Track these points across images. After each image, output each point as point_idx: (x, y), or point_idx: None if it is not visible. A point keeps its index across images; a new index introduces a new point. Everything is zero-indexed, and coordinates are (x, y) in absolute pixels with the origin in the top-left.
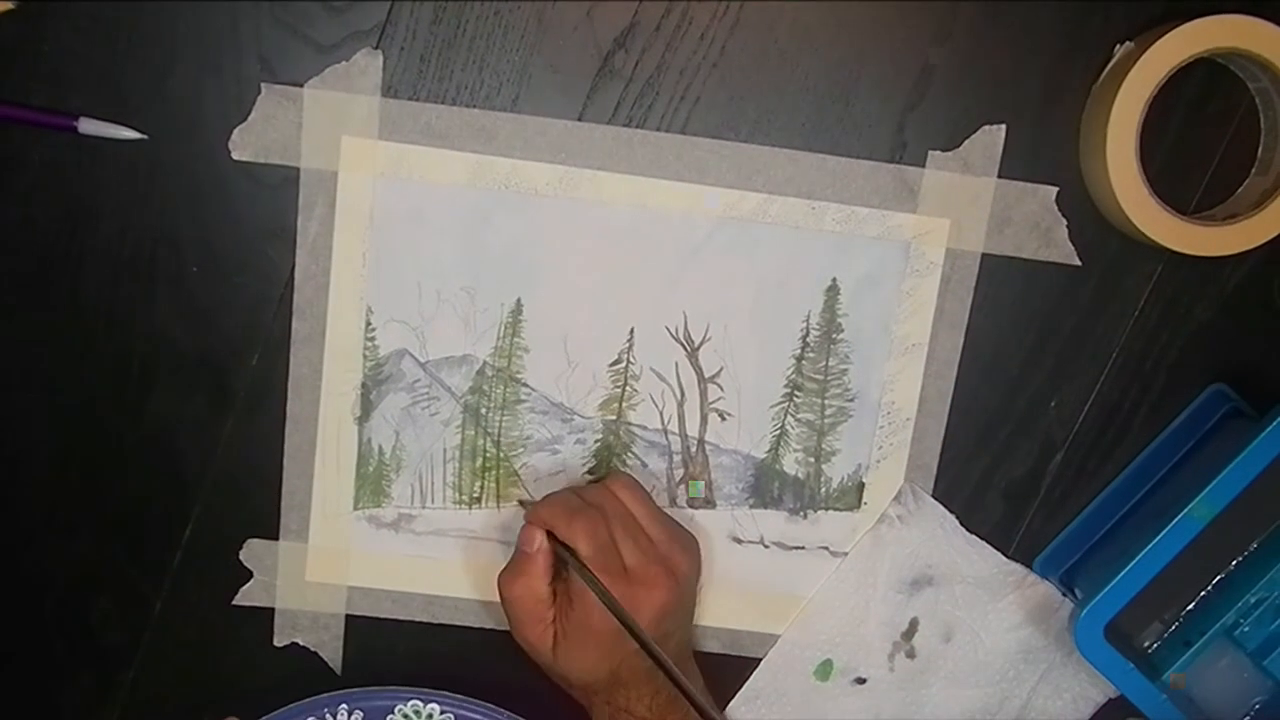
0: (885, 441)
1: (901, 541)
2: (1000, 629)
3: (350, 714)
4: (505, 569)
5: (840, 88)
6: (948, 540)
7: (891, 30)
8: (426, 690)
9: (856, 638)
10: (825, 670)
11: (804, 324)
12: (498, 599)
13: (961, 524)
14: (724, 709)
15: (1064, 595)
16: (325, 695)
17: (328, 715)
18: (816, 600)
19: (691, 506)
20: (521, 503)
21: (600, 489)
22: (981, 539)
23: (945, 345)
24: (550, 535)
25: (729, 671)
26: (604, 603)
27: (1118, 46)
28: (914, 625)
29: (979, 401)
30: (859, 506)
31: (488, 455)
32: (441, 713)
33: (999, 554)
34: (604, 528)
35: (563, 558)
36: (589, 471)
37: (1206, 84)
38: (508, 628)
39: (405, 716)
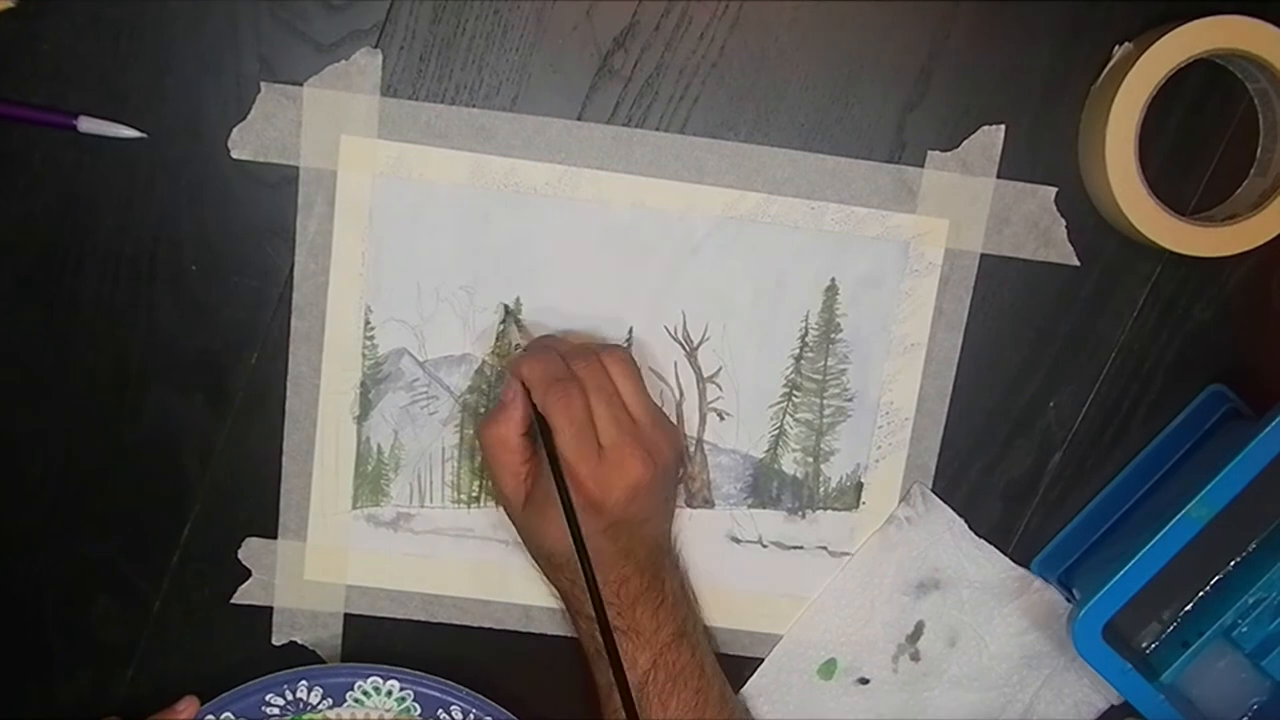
0: (884, 441)
1: (909, 544)
2: (1005, 634)
3: (310, 690)
4: (485, 415)
5: (840, 88)
6: (955, 544)
7: (891, 30)
8: (385, 666)
9: (861, 638)
10: (829, 670)
11: (803, 324)
12: (499, 597)
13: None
14: None
15: (1066, 599)
16: (286, 672)
17: (287, 691)
18: (822, 599)
19: (690, 506)
20: (511, 345)
21: (589, 358)
22: (986, 541)
23: (944, 345)
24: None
25: (727, 671)
26: (555, 483)
27: (1116, 47)
28: (919, 628)
29: (978, 401)
30: (857, 506)
31: None
32: (401, 689)
33: (1006, 558)
34: (582, 401)
35: (535, 426)
36: None
37: (1205, 85)
38: (507, 627)
39: (365, 692)
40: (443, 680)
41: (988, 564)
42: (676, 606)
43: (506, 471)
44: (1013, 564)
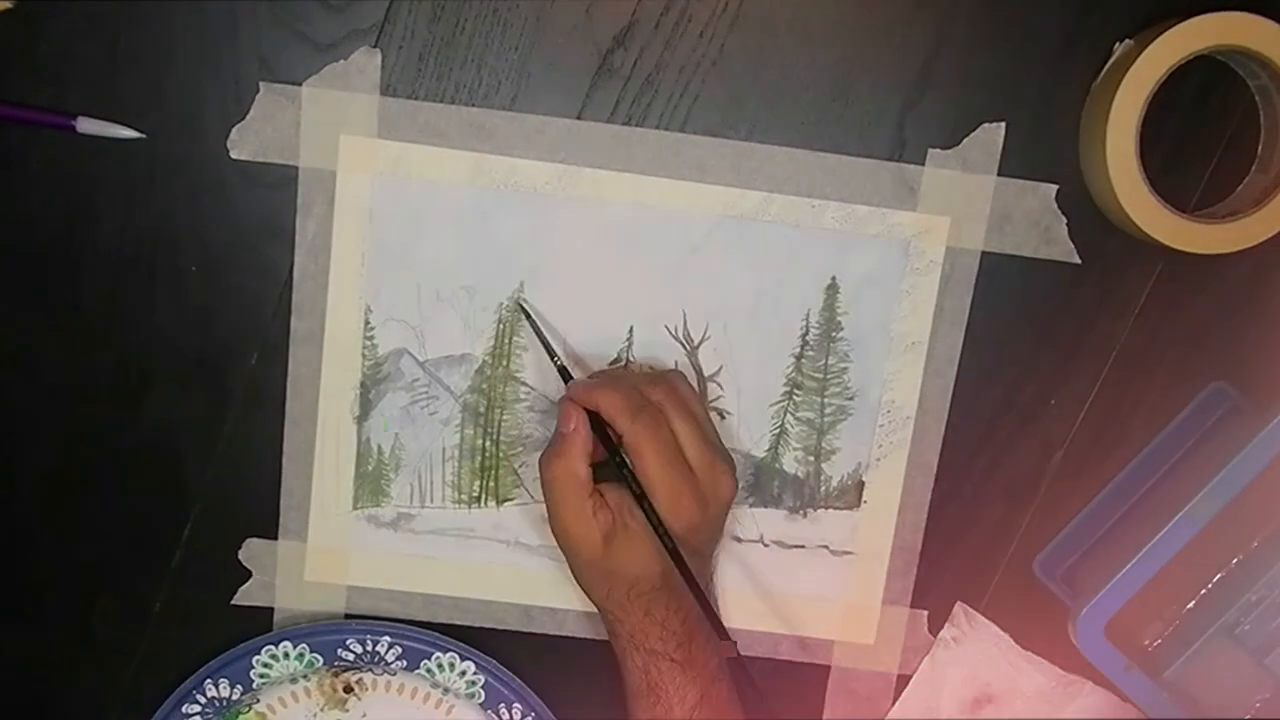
0: (885, 440)
1: (958, 663)
2: None
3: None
4: (545, 449)
5: (840, 86)
6: (1003, 657)
7: (891, 28)
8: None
9: None
10: None
11: (803, 322)
12: (499, 597)
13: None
14: None
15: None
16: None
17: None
18: None
19: None
20: (561, 370)
21: (663, 385)
22: (1035, 650)
23: (945, 343)
24: (595, 418)
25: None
26: (648, 519)
27: (1117, 44)
28: None
29: (979, 399)
30: (859, 505)
31: (487, 454)
32: (391, 643)
33: (1054, 667)
34: (666, 427)
35: (613, 467)
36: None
37: (1206, 81)
38: (508, 626)
39: (352, 650)
40: (422, 630)
41: (1037, 674)
42: (716, 643)
43: (574, 507)
44: (1061, 671)
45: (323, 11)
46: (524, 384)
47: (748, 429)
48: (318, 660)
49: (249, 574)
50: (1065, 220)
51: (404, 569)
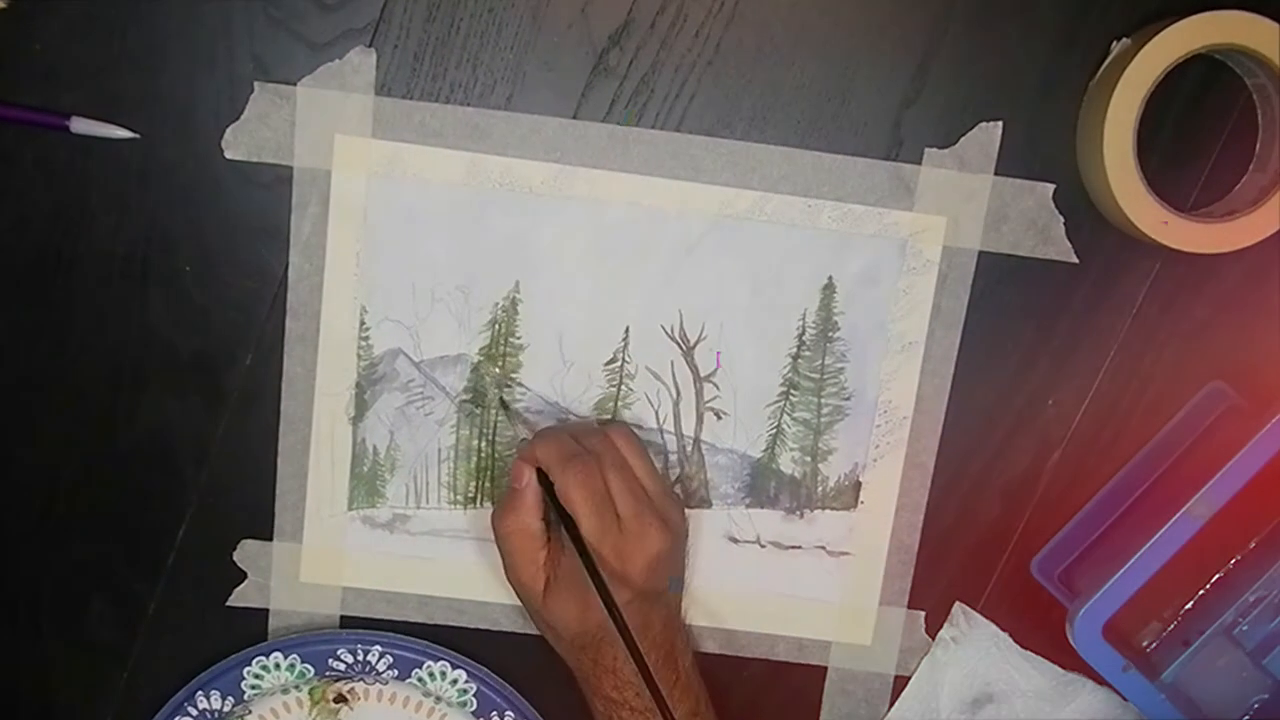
0: (882, 440)
1: (957, 662)
2: None
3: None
4: (497, 506)
5: (836, 85)
6: (1003, 657)
7: (888, 27)
8: (357, 631)
9: None
10: None
11: (800, 322)
12: (495, 599)
13: (1014, 639)
14: None
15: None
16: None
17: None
18: None
19: (687, 506)
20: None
21: (598, 435)
22: (1033, 652)
23: (942, 343)
24: (542, 475)
25: (726, 671)
26: (584, 561)
27: (1115, 43)
28: None
29: (976, 399)
30: (856, 505)
31: (483, 455)
32: (382, 652)
33: (1054, 666)
34: (598, 476)
35: (551, 511)
36: None
37: (1204, 80)
38: (503, 628)
39: (344, 660)
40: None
41: (1036, 674)
42: (690, 687)
43: (527, 560)
44: (1061, 670)
45: (317, 11)
46: (520, 384)
47: (744, 429)
48: (309, 670)
49: (244, 575)
50: (1062, 219)
51: (399, 570)
